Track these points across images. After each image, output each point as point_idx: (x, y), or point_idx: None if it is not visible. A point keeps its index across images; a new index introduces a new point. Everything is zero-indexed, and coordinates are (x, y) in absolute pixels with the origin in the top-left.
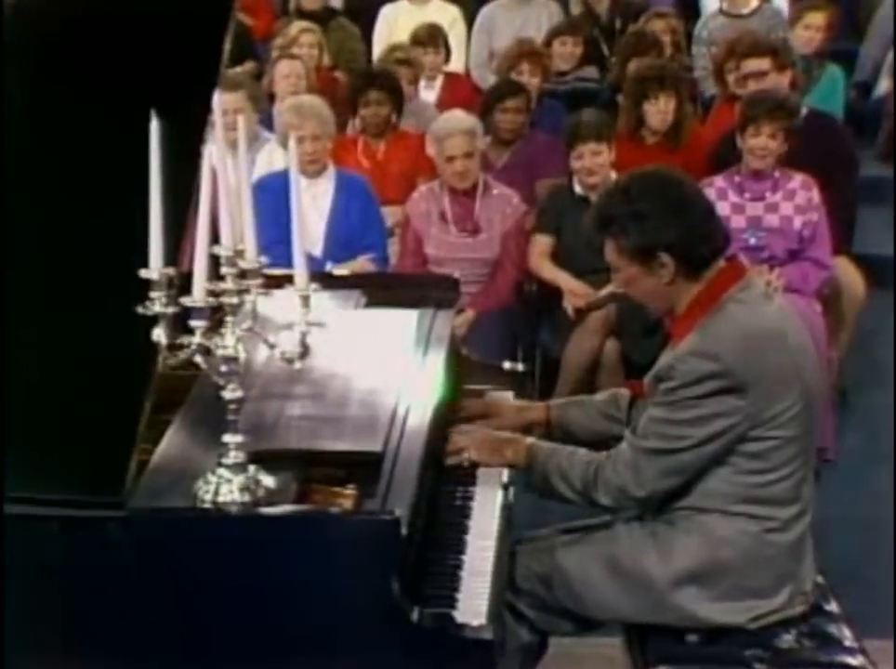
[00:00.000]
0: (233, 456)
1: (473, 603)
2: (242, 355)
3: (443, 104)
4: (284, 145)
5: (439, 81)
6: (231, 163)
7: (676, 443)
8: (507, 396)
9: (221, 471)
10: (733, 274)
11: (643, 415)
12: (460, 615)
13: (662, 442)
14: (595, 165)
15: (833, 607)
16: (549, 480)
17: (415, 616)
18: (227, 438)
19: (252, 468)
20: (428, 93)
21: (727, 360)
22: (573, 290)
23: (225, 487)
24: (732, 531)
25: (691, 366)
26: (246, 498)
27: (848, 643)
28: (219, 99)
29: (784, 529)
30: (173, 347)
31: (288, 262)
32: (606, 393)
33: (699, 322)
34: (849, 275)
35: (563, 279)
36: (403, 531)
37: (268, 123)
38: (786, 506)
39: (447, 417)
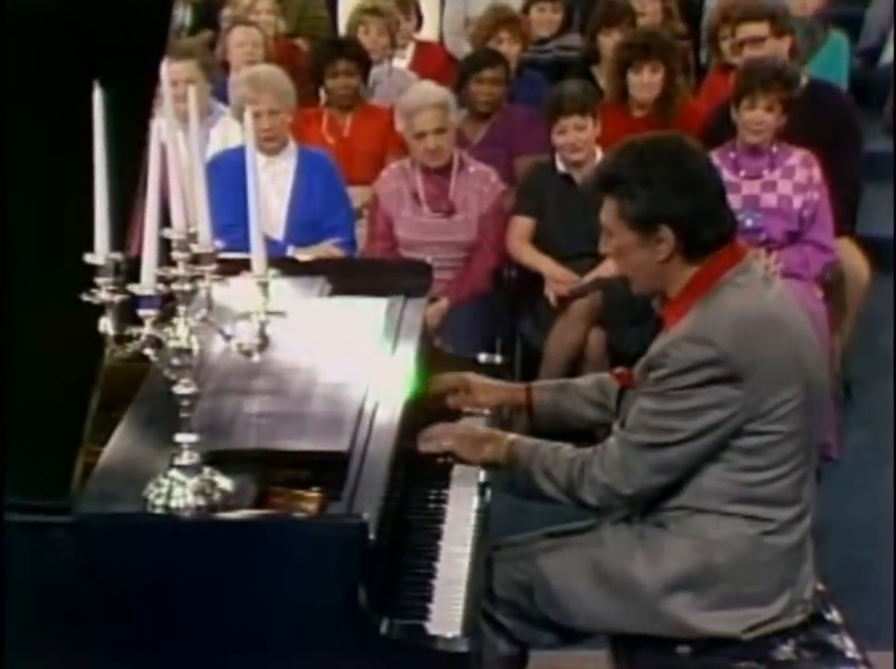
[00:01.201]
0: (187, 457)
1: (447, 614)
2: (195, 347)
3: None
4: (240, 119)
5: (410, 49)
6: (183, 139)
7: (666, 437)
8: (484, 376)
9: (174, 473)
10: (732, 257)
11: (633, 407)
12: (433, 627)
13: (652, 436)
14: (579, 141)
15: (834, 616)
16: (532, 479)
17: (384, 628)
18: (180, 437)
19: (207, 470)
20: (399, 63)
21: (723, 346)
22: (556, 276)
23: (178, 490)
24: (727, 534)
25: (684, 352)
26: (201, 502)
27: (850, 654)
28: (168, 69)
29: (783, 531)
30: (121, 339)
31: (246, 246)
32: (590, 378)
33: (694, 307)
34: (853, 259)
35: (545, 264)
36: (371, 536)
37: (223, 94)
38: (785, 507)
39: (418, 414)
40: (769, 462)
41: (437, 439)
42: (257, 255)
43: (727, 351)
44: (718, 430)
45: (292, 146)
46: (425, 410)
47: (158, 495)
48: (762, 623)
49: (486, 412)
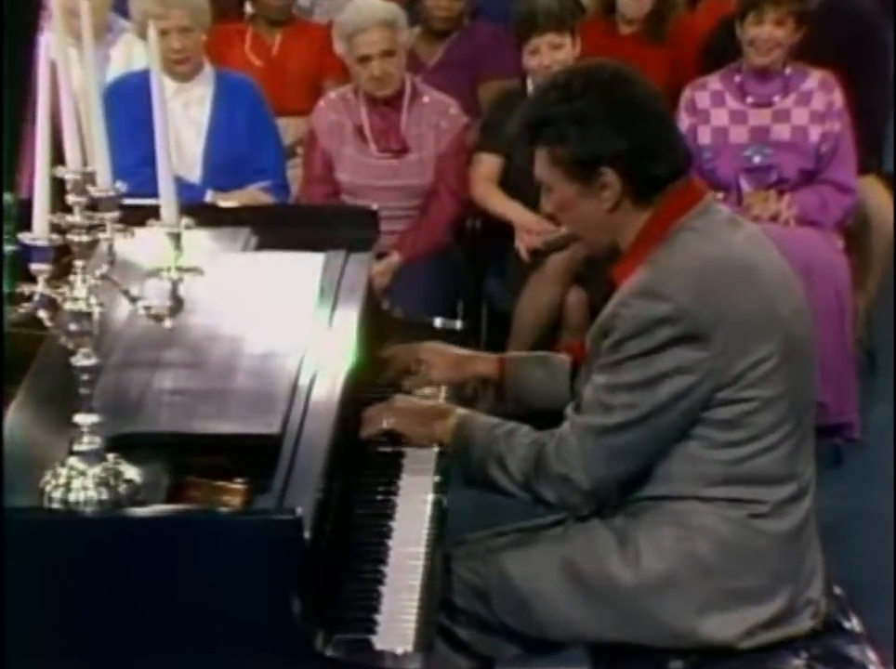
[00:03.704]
0: (87, 442)
1: (397, 626)
2: (96, 310)
3: None
4: (145, 37)
5: None
6: (76, 59)
7: (625, 415)
8: (446, 346)
9: (73, 461)
10: (687, 198)
11: (586, 384)
12: (380, 641)
13: (608, 416)
14: (555, 63)
15: (853, 624)
16: (485, 468)
17: (321, 643)
18: (79, 418)
19: (111, 458)
20: None
21: (679, 300)
22: (528, 225)
23: (78, 481)
24: (710, 520)
25: (636, 310)
26: (105, 496)
27: (871, 668)
28: None
29: (775, 514)
30: (13, 299)
31: (154, 190)
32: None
33: (646, 259)
34: (880, 201)
35: (515, 211)
36: (306, 534)
37: (124, 8)
38: (776, 485)
39: (363, 391)
40: (748, 434)
41: (376, 419)
42: (167, 200)
43: (685, 305)
44: (683, 401)
45: (208, 70)
46: (372, 385)
47: (55, 487)
48: (761, 625)
49: (443, 388)
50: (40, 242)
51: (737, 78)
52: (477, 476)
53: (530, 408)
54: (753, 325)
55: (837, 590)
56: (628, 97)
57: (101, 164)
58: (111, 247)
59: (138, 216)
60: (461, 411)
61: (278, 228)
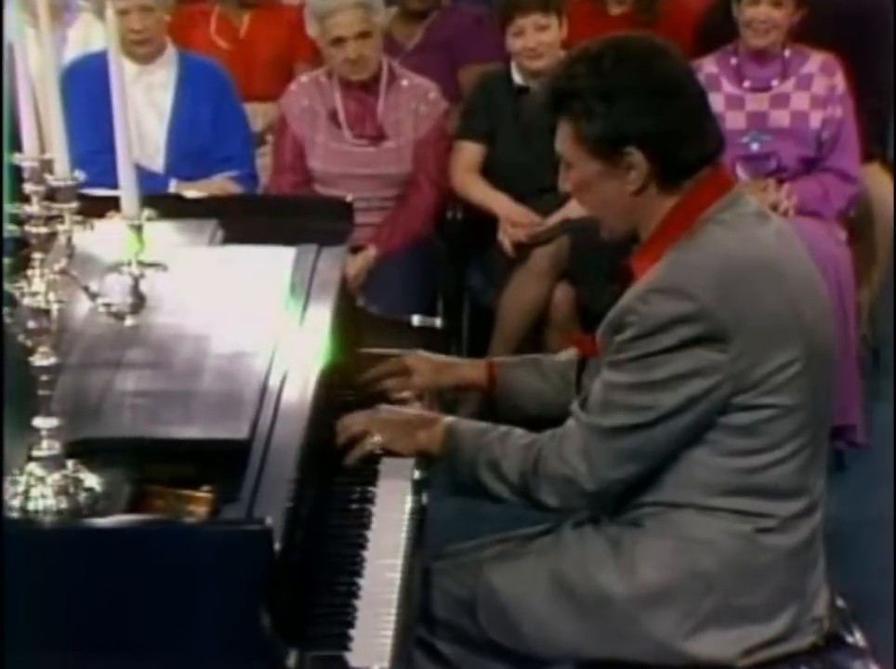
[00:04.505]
0: (47, 447)
1: (373, 641)
2: (54, 307)
3: None
4: (103, 16)
5: None
6: (32, 40)
7: (637, 417)
8: (430, 354)
9: (32, 467)
10: (716, 187)
11: (595, 381)
12: (355, 658)
13: (618, 417)
14: (540, 45)
15: (857, 638)
16: (477, 474)
17: (292, 661)
18: (38, 421)
19: (71, 464)
20: None
21: (703, 298)
22: (513, 217)
23: (37, 489)
24: (714, 532)
25: (655, 308)
26: (64, 505)
27: None
28: None
29: (784, 529)
30: None
31: (114, 179)
32: (570, 352)
33: (667, 250)
34: (883, 189)
35: (499, 202)
36: (277, 545)
37: None
38: (787, 499)
39: (336, 393)
40: (765, 443)
41: (357, 434)
42: (128, 190)
43: (707, 305)
44: (700, 404)
45: (171, 52)
46: (349, 387)
47: (14, 495)
48: (762, 644)
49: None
50: None
51: (733, 61)
52: (468, 484)
53: (523, 414)
54: (777, 328)
55: (840, 603)
56: (662, 73)
57: (59, 152)
58: (69, 240)
59: (97, 208)
60: (447, 418)
61: (246, 220)
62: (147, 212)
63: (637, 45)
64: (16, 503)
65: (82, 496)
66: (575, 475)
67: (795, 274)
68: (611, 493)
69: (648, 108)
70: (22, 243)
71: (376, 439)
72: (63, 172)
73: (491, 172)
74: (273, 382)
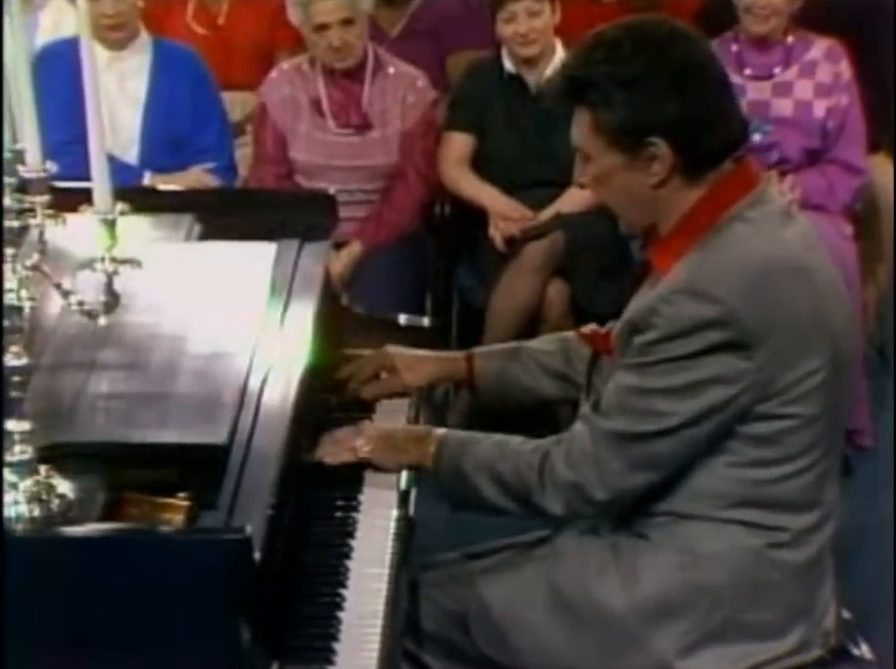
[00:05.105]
0: (19, 452)
1: (358, 656)
2: (27, 304)
3: None
4: (75, 1)
5: None
6: (4, 25)
7: (654, 423)
8: (409, 350)
9: (4, 472)
10: (744, 181)
11: (609, 383)
12: None
13: (634, 422)
14: (532, 31)
15: (863, 651)
16: (473, 484)
17: None
18: (10, 424)
19: (44, 469)
20: None
21: (731, 303)
22: (504, 211)
23: (9, 496)
24: (724, 546)
25: (681, 310)
26: (36, 512)
27: None
28: None
29: (797, 543)
30: None
31: (87, 170)
32: (549, 339)
33: (693, 248)
34: (889, 181)
35: (489, 196)
36: (257, 555)
37: None
38: (801, 513)
39: (319, 395)
40: (781, 454)
41: (343, 447)
42: (100, 183)
43: (736, 309)
44: (720, 413)
45: (144, 38)
46: (332, 389)
47: None
48: (768, 661)
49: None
50: None
51: (734, 48)
52: (464, 497)
53: (505, 403)
54: (805, 335)
55: (846, 614)
56: (683, 57)
57: (31, 142)
58: (41, 234)
59: (68, 201)
60: (439, 431)
61: (224, 214)
62: (120, 206)
63: (656, 29)
64: None
65: (55, 503)
66: (584, 482)
67: (822, 278)
68: (620, 504)
69: (670, 95)
70: None
71: (366, 449)
72: (36, 163)
73: (481, 164)
74: (253, 384)
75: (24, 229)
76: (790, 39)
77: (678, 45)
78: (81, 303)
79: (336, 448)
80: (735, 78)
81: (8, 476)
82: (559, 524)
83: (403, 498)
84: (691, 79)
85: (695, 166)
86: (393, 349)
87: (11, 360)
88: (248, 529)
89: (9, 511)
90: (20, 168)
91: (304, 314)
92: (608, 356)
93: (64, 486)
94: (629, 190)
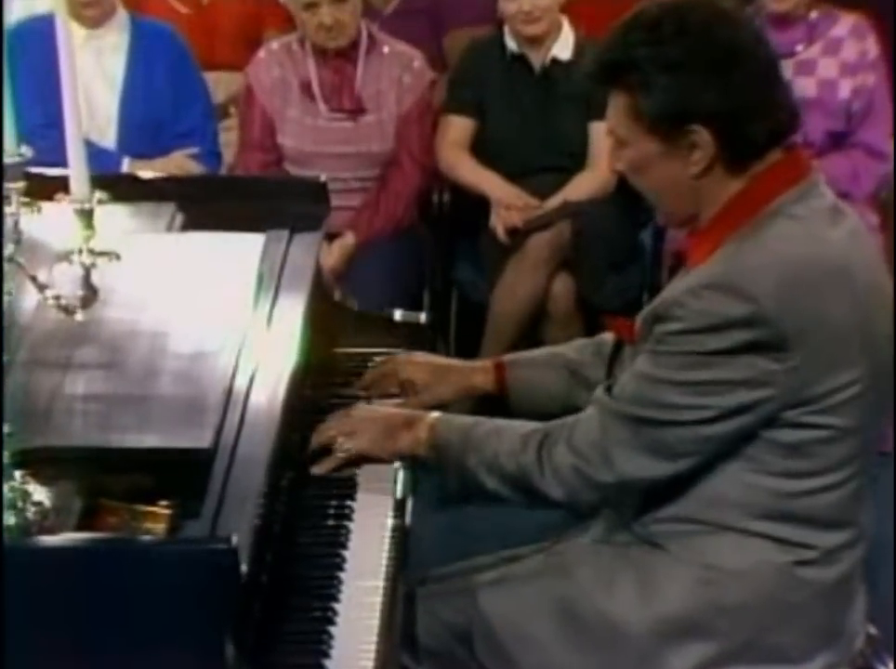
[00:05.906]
0: None
1: None
2: (6, 299)
3: None
4: None
5: None
6: None
7: (667, 414)
8: (426, 358)
9: None
10: (790, 172)
11: (627, 369)
12: None
13: (647, 410)
14: (537, 8)
15: (889, 668)
16: (469, 470)
17: None
18: None
19: (19, 475)
20: None
21: (764, 302)
22: (506, 200)
23: None
24: (747, 561)
25: (708, 305)
26: (11, 520)
27: None
28: None
29: (826, 561)
30: None
31: (61, 157)
32: (585, 345)
33: (729, 240)
34: None
35: (491, 183)
36: (244, 567)
37: None
38: (832, 530)
39: (311, 396)
40: (813, 466)
41: (332, 431)
42: (77, 170)
43: (768, 310)
44: (742, 416)
45: (122, 15)
46: (324, 390)
47: None
48: None
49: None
50: None
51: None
52: (459, 483)
53: (539, 416)
54: (842, 343)
55: (872, 630)
56: (729, 41)
57: (5, 125)
58: (16, 224)
59: (43, 189)
60: (432, 414)
61: (208, 202)
62: (98, 194)
63: (699, 11)
64: None
65: (31, 511)
66: (587, 464)
67: (866, 283)
68: (624, 492)
69: (714, 80)
70: None
71: (347, 445)
72: (10, 147)
73: (481, 149)
74: (240, 385)
75: None
76: (813, 15)
77: (722, 27)
78: (57, 297)
79: (323, 460)
80: None
81: None
82: (567, 530)
83: (399, 506)
84: (735, 64)
85: (738, 156)
86: (408, 359)
87: None
88: (234, 539)
89: None
90: None
91: (294, 310)
92: (631, 344)
93: (41, 493)
94: (668, 179)
